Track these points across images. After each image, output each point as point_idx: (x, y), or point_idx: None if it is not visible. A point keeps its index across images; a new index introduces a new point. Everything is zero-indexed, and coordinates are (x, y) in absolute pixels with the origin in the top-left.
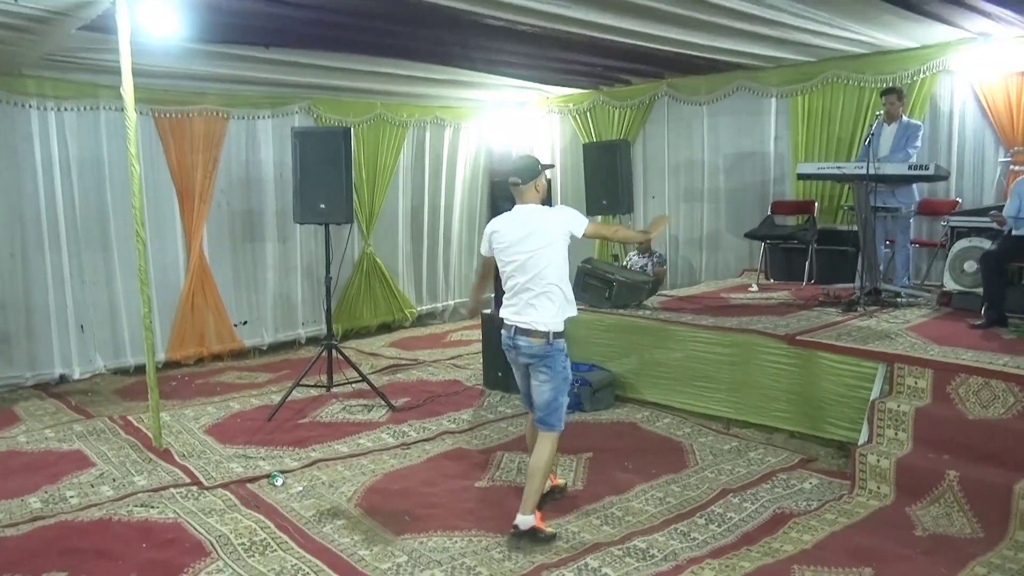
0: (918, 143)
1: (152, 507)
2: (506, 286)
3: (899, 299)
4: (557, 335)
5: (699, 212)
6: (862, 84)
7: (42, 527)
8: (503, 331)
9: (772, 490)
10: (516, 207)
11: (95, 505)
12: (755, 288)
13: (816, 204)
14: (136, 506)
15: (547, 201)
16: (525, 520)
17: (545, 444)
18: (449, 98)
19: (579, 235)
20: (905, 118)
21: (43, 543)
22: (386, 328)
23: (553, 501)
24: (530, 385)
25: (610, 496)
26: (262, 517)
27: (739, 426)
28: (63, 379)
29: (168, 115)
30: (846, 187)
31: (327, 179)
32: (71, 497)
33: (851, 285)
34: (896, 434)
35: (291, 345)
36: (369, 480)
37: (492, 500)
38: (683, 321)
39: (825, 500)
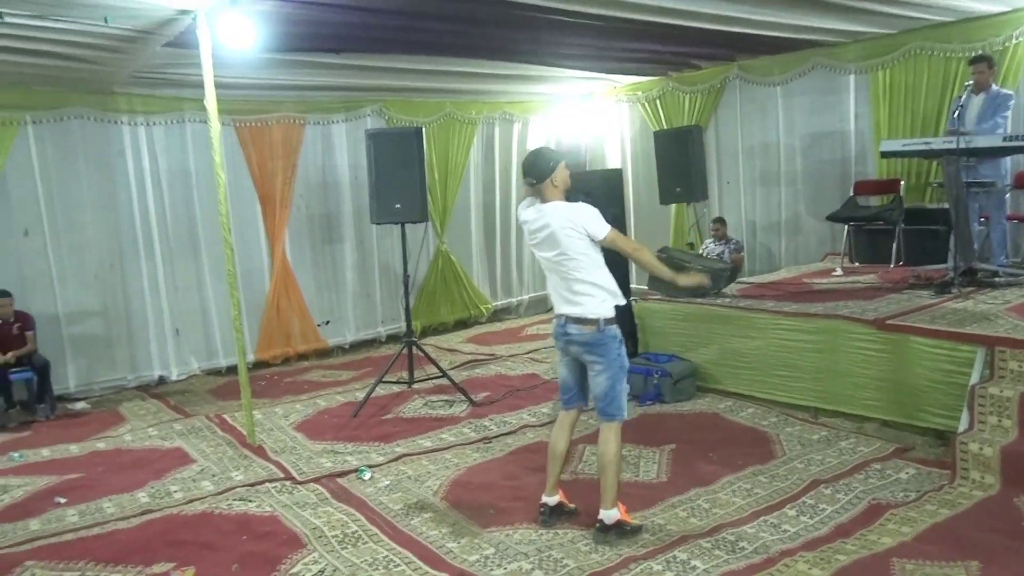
0: (1008, 112)
1: (250, 501)
2: (548, 279)
3: (997, 279)
4: (608, 321)
5: (777, 196)
6: (948, 54)
7: (150, 520)
8: (554, 320)
9: (866, 481)
10: (539, 206)
11: (197, 499)
12: (839, 272)
13: (902, 182)
14: (235, 500)
15: (570, 196)
16: (609, 514)
17: (609, 435)
18: (516, 93)
19: (598, 238)
20: (995, 87)
21: (152, 535)
22: (463, 324)
23: (561, 517)
24: (574, 376)
25: (695, 488)
26: (352, 510)
27: (827, 415)
28: (162, 380)
29: (248, 124)
30: (934, 163)
31: (401, 179)
32: (175, 492)
33: (943, 266)
34: (1000, 421)
35: (372, 343)
36: (453, 474)
37: (576, 493)
38: (764, 308)
39: (924, 491)
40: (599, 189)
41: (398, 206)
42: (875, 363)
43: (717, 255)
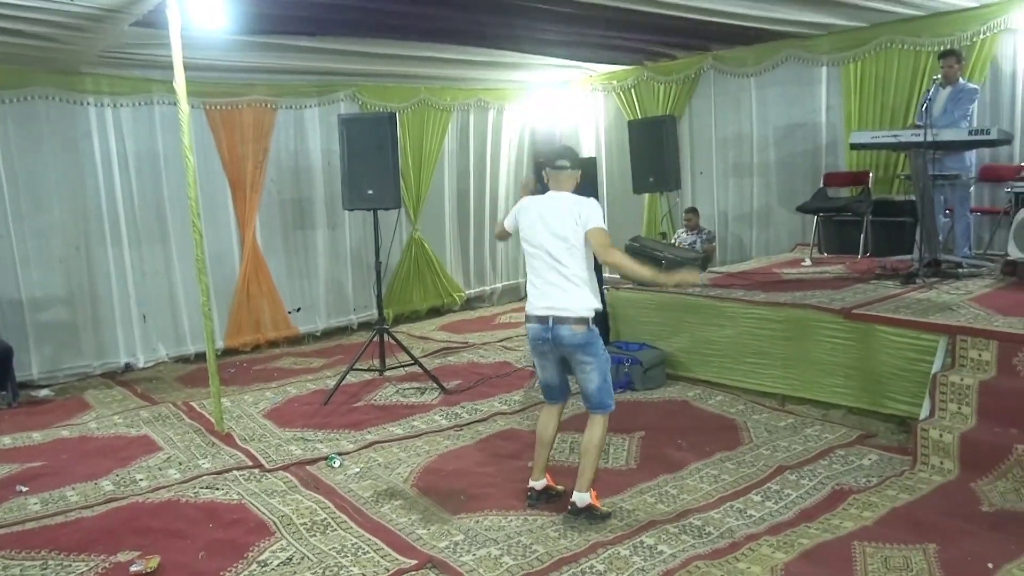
0: (972, 105)
1: (217, 489)
2: (532, 274)
3: (960, 270)
4: (594, 321)
5: (749, 186)
6: (918, 48)
7: (115, 508)
8: (535, 324)
9: (830, 466)
10: (550, 192)
11: (164, 487)
12: (808, 262)
13: (871, 174)
14: (202, 488)
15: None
16: (581, 497)
17: (598, 421)
18: (492, 80)
19: (587, 227)
20: (962, 81)
21: (117, 523)
22: (435, 312)
23: (548, 500)
24: (558, 376)
25: (664, 474)
26: (322, 498)
27: (794, 402)
28: (128, 367)
29: (219, 107)
30: (902, 156)
31: (374, 165)
32: (140, 480)
33: (909, 257)
34: (960, 408)
35: (344, 331)
36: (424, 461)
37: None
38: (734, 297)
39: (886, 476)
40: None
41: (371, 192)
42: (842, 351)
43: (689, 245)
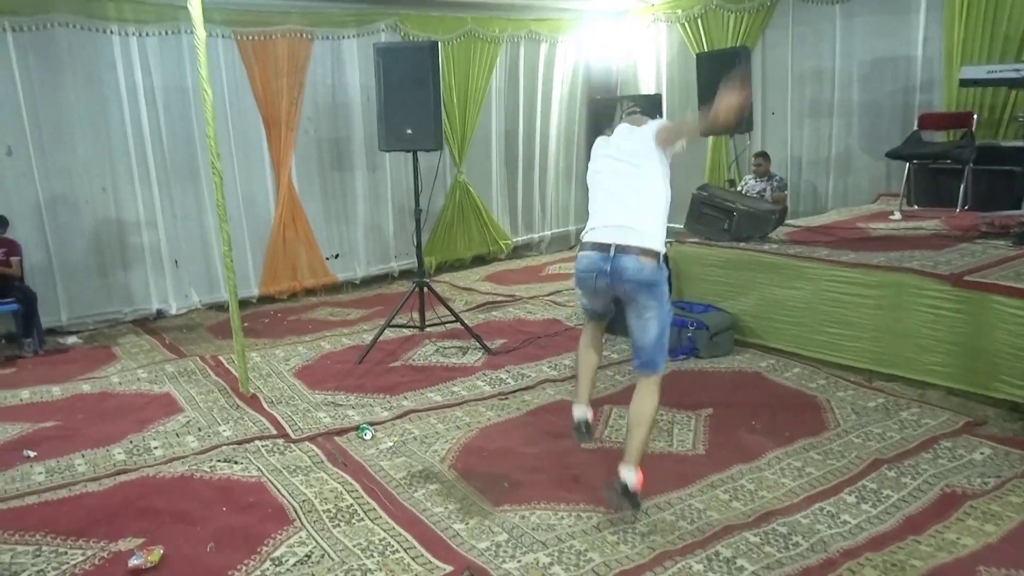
0: None
1: (235, 463)
2: (599, 199)
3: None
4: (665, 258)
5: (827, 129)
6: None
7: (124, 483)
8: (591, 252)
9: (935, 461)
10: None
11: (179, 459)
12: (898, 216)
13: (975, 117)
14: (219, 460)
15: (602, 120)
16: (630, 475)
17: (652, 387)
18: (544, 9)
19: (654, 128)
20: None
21: (122, 502)
22: (480, 260)
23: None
24: (605, 309)
25: (738, 464)
26: (349, 478)
27: (883, 379)
28: (160, 314)
29: (251, 37)
30: (1014, 96)
31: (414, 101)
32: (155, 448)
33: (1020, 212)
34: None
35: (384, 279)
36: (464, 436)
37: (602, 466)
38: (818, 257)
39: (1005, 477)
40: None
41: (409, 132)
42: (946, 324)
43: (758, 193)
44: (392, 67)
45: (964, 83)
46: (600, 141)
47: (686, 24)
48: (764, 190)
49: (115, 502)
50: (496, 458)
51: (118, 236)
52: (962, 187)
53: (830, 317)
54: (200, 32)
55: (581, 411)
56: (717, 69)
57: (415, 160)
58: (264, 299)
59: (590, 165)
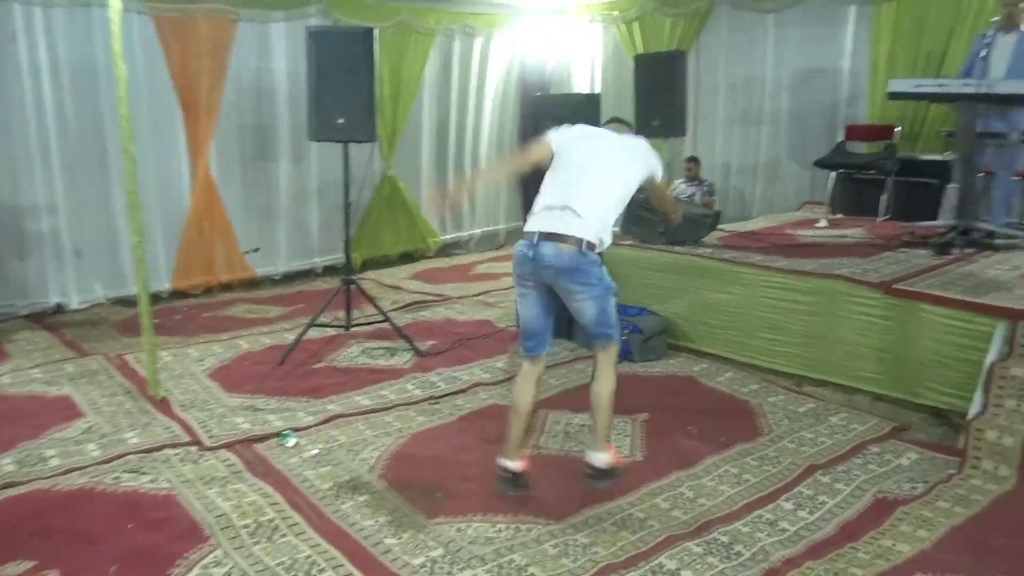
0: None
1: (143, 473)
2: (547, 195)
3: (996, 240)
4: (590, 246)
5: (756, 136)
6: None
7: (13, 497)
8: (520, 244)
9: (866, 466)
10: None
11: (78, 469)
12: (824, 223)
13: (897, 129)
14: (125, 471)
15: (539, 120)
16: (599, 457)
17: (607, 365)
18: (480, 3)
19: (659, 177)
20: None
21: (12, 520)
22: (408, 257)
23: (518, 489)
24: (541, 314)
25: (676, 471)
26: (270, 490)
27: (813, 384)
28: (60, 308)
29: (170, 15)
30: (932, 110)
31: (347, 90)
32: (51, 458)
33: (941, 223)
34: (1019, 405)
35: (307, 275)
36: (394, 443)
37: (539, 474)
38: (752, 262)
39: (932, 482)
40: (569, 115)
41: (341, 122)
42: (876, 331)
43: (688, 197)
44: (325, 53)
45: (893, 96)
46: (578, 127)
47: (622, 26)
48: (694, 194)
49: (2, 520)
50: (429, 466)
51: (14, 222)
52: (884, 197)
53: (763, 322)
54: (115, 2)
55: (506, 462)
56: (655, 71)
57: (346, 152)
58: (176, 294)
59: (562, 143)
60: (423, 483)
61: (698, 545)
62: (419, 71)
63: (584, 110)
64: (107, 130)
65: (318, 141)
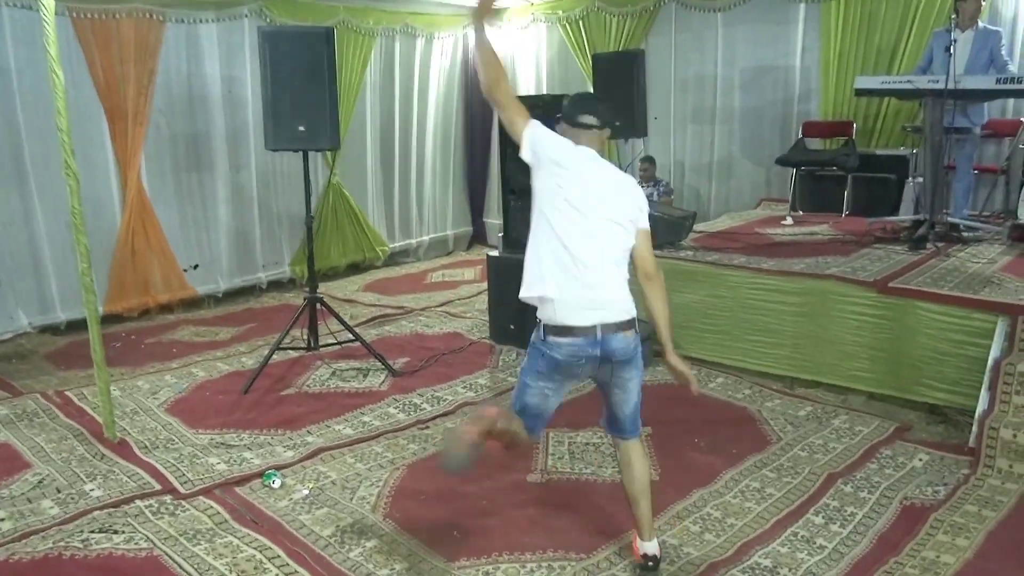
0: (1003, 52)
1: (116, 532)
2: (571, 253)
3: (964, 233)
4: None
5: (709, 135)
6: None
7: None
8: (574, 340)
9: (882, 471)
10: (586, 148)
11: (37, 532)
12: (789, 221)
13: (854, 125)
14: (93, 531)
15: None
16: (655, 544)
17: (643, 449)
18: (420, 2)
19: (643, 228)
20: (982, 24)
21: None
22: (355, 268)
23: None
24: (559, 403)
25: (697, 489)
26: (265, 541)
27: (805, 386)
28: None
29: (89, 15)
30: (887, 107)
31: (307, 94)
32: (1, 520)
33: (909, 217)
34: None
35: (251, 291)
36: (392, 477)
37: (555, 502)
38: (740, 264)
39: (952, 485)
40: (540, 118)
41: (302, 129)
42: (869, 330)
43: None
44: (280, 55)
45: (860, 92)
46: (578, 156)
47: (567, 25)
48: (651, 194)
49: None
50: (436, 502)
51: None
52: (846, 193)
53: (751, 325)
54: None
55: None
56: (613, 71)
57: (305, 161)
58: (111, 318)
59: (565, 181)
60: (434, 522)
61: (743, 572)
62: (360, 73)
63: (549, 112)
64: (25, 142)
65: (276, 150)
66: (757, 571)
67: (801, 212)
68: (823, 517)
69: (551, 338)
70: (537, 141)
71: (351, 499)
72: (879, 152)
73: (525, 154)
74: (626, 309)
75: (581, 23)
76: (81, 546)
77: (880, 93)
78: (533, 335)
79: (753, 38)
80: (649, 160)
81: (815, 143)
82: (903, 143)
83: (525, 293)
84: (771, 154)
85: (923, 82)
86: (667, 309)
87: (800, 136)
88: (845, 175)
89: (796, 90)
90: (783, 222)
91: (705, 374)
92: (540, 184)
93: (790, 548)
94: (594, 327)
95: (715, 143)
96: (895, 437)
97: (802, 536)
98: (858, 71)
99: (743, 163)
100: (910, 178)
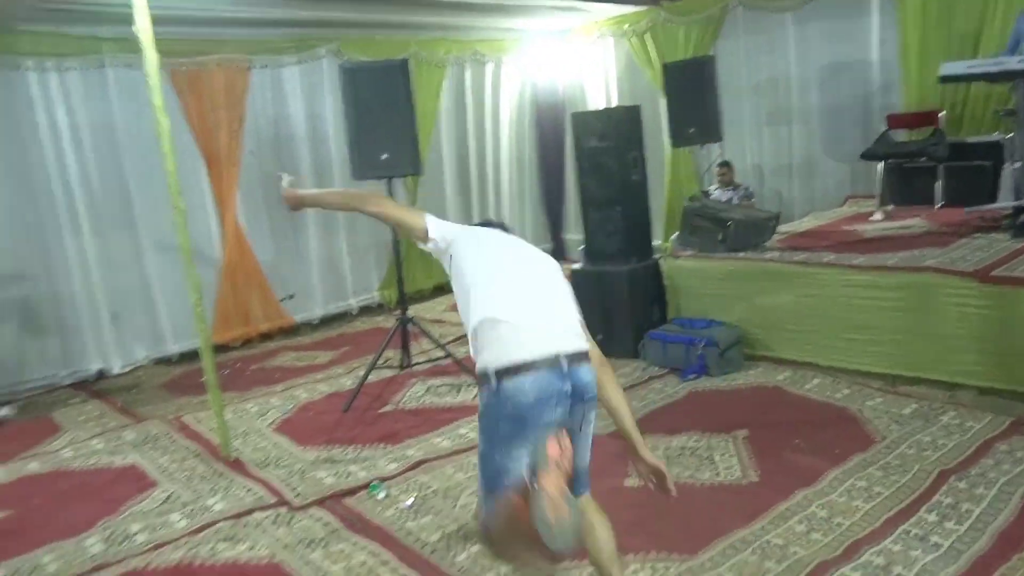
0: None
1: (239, 541)
2: (505, 300)
3: None
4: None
5: (788, 135)
6: None
7: None
8: (537, 374)
9: (999, 467)
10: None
11: (169, 543)
12: (879, 216)
13: (941, 114)
14: (219, 541)
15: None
16: None
17: (598, 506)
18: (487, 29)
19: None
20: None
21: None
22: (441, 290)
23: None
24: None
25: (800, 489)
26: (376, 547)
27: (907, 383)
28: (102, 375)
29: (184, 68)
30: (971, 92)
31: (387, 124)
32: (137, 533)
33: (1006, 204)
34: None
35: (343, 317)
36: None
37: (654, 505)
38: (829, 262)
39: None
40: (616, 130)
41: (385, 156)
42: (974, 322)
43: (725, 202)
44: (361, 89)
45: (945, 79)
46: (480, 235)
47: (634, 38)
48: (731, 199)
49: None
50: None
51: (49, 290)
52: (937, 184)
53: (845, 323)
54: (151, 54)
55: None
56: (684, 79)
57: (390, 188)
58: (217, 348)
59: (469, 255)
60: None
61: (854, 570)
62: (434, 102)
63: (624, 124)
64: (133, 189)
65: (362, 180)
66: (869, 569)
67: (892, 206)
68: (937, 514)
69: (507, 382)
70: (441, 223)
71: (454, 507)
72: (970, 140)
73: (433, 238)
74: (581, 339)
75: (648, 35)
76: (209, 555)
77: (968, 78)
78: (482, 401)
79: (827, 35)
80: (726, 164)
81: (901, 135)
82: (996, 128)
83: (473, 325)
84: (854, 150)
85: (1013, 63)
86: (626, 398)
87: (886, 128)
88: (935, 166)
89: (876, 83)
90: (872, 218)
91: (800, 375)
92: (458, 255)
93: (903, 546)
94: (554, 356)
95: (794, 143)
96: (1012, 432)
97: (915, 534)
98: (940, 59)
99: (825, 161)
100: (1007, 163)
